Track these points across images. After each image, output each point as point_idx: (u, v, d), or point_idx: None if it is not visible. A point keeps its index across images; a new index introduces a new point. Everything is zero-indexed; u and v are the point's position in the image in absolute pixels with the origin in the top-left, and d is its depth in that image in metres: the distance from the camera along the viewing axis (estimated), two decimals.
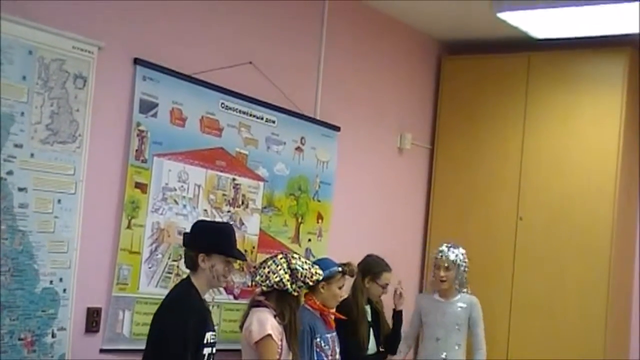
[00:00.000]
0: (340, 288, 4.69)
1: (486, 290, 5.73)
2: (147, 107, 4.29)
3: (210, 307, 4.56)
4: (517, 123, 6.15)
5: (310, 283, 4.29)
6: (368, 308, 5.10)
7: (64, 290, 3.89)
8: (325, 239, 5.44)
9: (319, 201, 5.40)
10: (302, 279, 4.22)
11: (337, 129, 5.52)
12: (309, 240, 5.33)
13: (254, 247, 4.93)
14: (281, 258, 4.27)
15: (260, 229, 4.98)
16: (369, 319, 5.06)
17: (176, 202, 4.46)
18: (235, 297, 4.82)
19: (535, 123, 6.09)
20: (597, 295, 5.67)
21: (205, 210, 4.61)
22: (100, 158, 4.06)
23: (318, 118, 5.41)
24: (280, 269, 4.21)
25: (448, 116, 6.48)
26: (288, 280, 4.19)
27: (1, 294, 3.61)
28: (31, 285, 3.75)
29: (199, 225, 3.92)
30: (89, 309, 4.05)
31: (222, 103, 4.71)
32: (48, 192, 3.81)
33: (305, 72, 5.37)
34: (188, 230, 3.97)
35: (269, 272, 4.22)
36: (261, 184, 4.99)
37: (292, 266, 4.23)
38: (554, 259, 5.88)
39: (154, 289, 4.34)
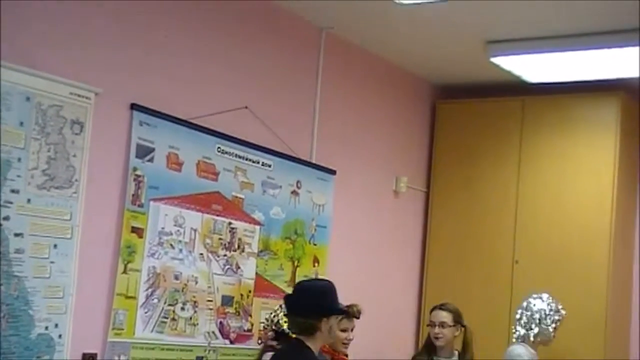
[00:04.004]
0: (344, 330, 4.63)
1: (483, 334, 5.69)
2: (144, 151, 4.31)
3: (207, 352, 4.58)
4: (512, 166, 6.17)
5: None
6: None
7: (60, 336, 3.87)
8: None
9: (315, 245, 5.40)
10: None
11: (332, 172, 5.55)
12: None
13: (250, 291, 4.92)
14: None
15: (257, 273, 4.98)
16: None
17: (172, 247, 4.46)
18: (232, 342, 4.80)
19: (530, 166, 6.11)
20: (595, 337, 5.65)
21: (202, 254, 4.61)
22: (97, 203, 4.07)
23: (314, 162, 5.43)
24: (280, 311, 4.22)
25: (443, 159, 6.51)
26: (285, 322, 4.18)
27: None
28: (26, 331, 3.73)
29: (312, 289, 3.82)
30: (84, 355, 4.03)
31: (219, 147, 4.73)
32: (44, 237, 3.81)
33: (301, 116, 5.41)
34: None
35: (273, 316, 4.23)
36: (257, 227, 4.99)
37: None
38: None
39: (149, 333, 4.33)
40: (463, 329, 5.13)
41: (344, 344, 4.65)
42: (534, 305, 5.29)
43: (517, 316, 5.32)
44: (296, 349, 3.73)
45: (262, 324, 4.22)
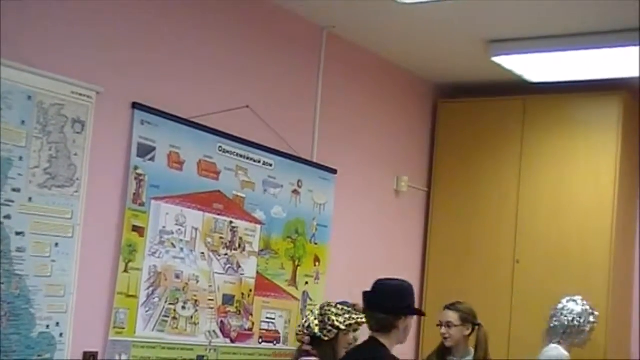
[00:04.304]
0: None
1: None
2: (145, 150, 4.31)
3: (207, 351, 4.59)
4: (513, 166, 6.18)
5: (343, 327, 4.26)
6: None
7: (61, 335, 3.88)
8: (322, 282, 5.44)
9: (316, 244, 5.41)
10: (329, 322, 4.21)
11: (334, 171, 5.55)
12: (306, 283, 5.33)
13: (250, 291, 4.92)
14: (318, 307, 4.28)
15: (258, 272, 4.98)
16: None
17: (173, 246, 4.46)
18: (232, 341, 4.80)
19: (531, 166, 6.11)
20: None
21: (203, 253, 4.62)
22: (98, 202, 4.07)
23: (315, 161, 5.43)
24: (311, 316, 4.23)
25: (444, 159, 6.51)
26: (317, 326, 4.19)
27: None
28: (27, 329, 3.74)
29: (393, 288, 3.85)
30: (85, 353, 4.03)
31: (220, 146, 4.73)
32: (45, 236, 3.81)
33: (302, 116, 5.41)
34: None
35: (304, 321, 4.24)
36: (258, 227, 4.99)
37: (323, 312, 4.23)
38: (551, 302, 5.85)
39: (150, 332, 4.33)
40: (477, 327, 5.06)
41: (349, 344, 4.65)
42: (569, 308, 5.29)
43: (551, 319, 5.30)
44: (372, 346, 3.77)
45: (298, 330, 4.23)
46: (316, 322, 4.21)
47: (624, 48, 5.15)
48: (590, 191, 5.86)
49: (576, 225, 5.88)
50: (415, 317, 6.24)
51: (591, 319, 5.31)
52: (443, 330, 5.02)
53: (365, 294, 3.88)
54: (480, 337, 5.04)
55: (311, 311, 4.31)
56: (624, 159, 5.86)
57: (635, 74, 5.46)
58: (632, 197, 6.05)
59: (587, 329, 5.30)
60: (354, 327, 4.38)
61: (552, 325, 5.33)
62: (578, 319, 5.29)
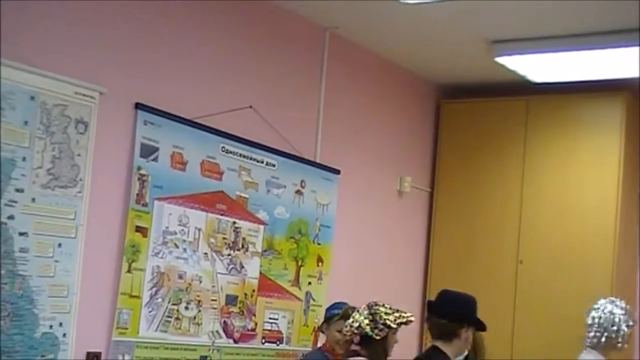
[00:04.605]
0: (340, 331, 4.62)
1: (486, 334, 5.68)
2: (148, 151, 4.32)
3: (210, 351, 4.59)
4: (516, 166, 6.17)
5: (394, 326, 4.26)
6: None
7: (64, 335, 3.88)
8: (325, 282, 5.44)
9: (319, 244, 5.41)
10: (381, 321, 4.21)
11: (337, 172, 5.55)
12: (309, 283, 5.33)
13: (254, 291, 4.92)
14: (365, 306, 4.28)
15: (261, 273, 4.98)
16: None
17: (176, 246, 4.46)
18: (235, 341, 4.80)
19: (535, 166, 6.11)
20: None
21: (206, 253, 4.62)
22: (101, 202, 4.07)
23: (318, 161, 5.43)
24: (361, 316, 4.23)
25: (447, 159, 6.51)
26: (367, 325, 4.18)
27: (0, 339, 3.60)
28: (31, 330, 3.74)
29: (458, 297, 3.96)
30: (88, 354, 4.04)
31: (223, 147, 4.73)
32: (49, 237, 3.82)
33: (305, 116, 5.41)
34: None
35: (352, 321, 4.23)
36: (261, 227, 4.99)
37: (373, 311, 4.23)
38: (554, 302, 5.87)
39: (153, 333, 4.33)
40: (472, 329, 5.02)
41: (339, 344, 4.59)
42: (607, 310, 5.17)
43: (589, 322, 5.19)
44: (434, 353, 3.85)
45: (346, 331, 4.22)
46: (366, 321, 4.20)
47: (626, 48, 5.15)
48: (593, 191, 5.86)
49: (579, 225, 5.87)
50: (418, 318, 6.30)
51: (630, 322, 5.14)
52: None
53: (429, 302, 4.00)
54: (477, 338, 4.98)
55: (358, 311, 4.29)
56: (627, 159, 5.85)
57: (638, 74, 5.46)
58: (635, 197, 6.04)
59: (626, 332, 5.12)
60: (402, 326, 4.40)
61: (589, 328, 5.18)
62: (617, 321, 5.13)
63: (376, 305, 4.26)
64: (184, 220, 4.51)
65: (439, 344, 3.80)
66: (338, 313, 4.64)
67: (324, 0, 5.02)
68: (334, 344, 4.63)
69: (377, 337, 4.19)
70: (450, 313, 3.83)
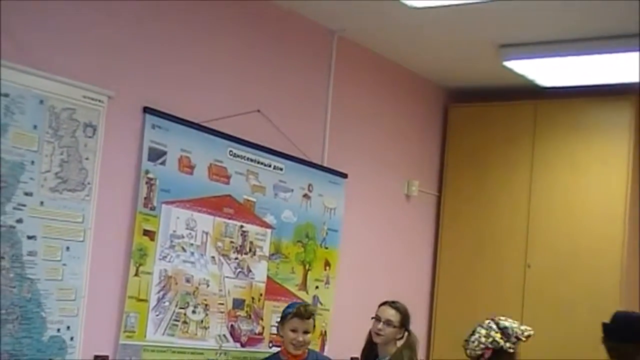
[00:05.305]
0: (294, 330, 4.45)
1: None
2: (156, 155, 4.32)
3: (218, 355, 4.59)
4: (525, 170, 6.16)
5: (523, 339, 4.27)
6: None
7: (72, 339, 3.88)
8: (332, 286, 5.44)
9: (326, 248, 5.40)
10: (514, 334, 4.22)
11: (344, 176, 5.54)
12: (317, 287, 5.33)
13: (261, 295, 4.92)
14: (488, 322, 4.27)
15: (268, 276, 4.98)
16: None
17: (184, 250, 4.47)
18: (243, 345, 4.80)
19: (543, 170, 6.10)
20: None
21: (213, 257, 4.62)
22: (109, 206, 4.08)
23: (325, 165, 5.43)
24: (490, 331, 4.22)
25: (455, 163, 6.50)
26: (501, 339, 4.19)
27: (8, 342, 3.61)
28: (38, 333, 3.75)
29: (635, 319, 4.03)
30: (96, 357, 4.04)
31: (230, 151, 4.74)
32: (57, 240, 3.82)
33: (313, 120, 5.41)
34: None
35: (479, 337, 4.22)
36: (269, 231, 4.99)
37: (501, 325, 4.24)
38: (563, 306, 5.85)
39: (161, 336, 4.34)
40: (407, 334, 4.81)
41: (292, 344, 4.45)
42: None
43: None
44: None
45: (474, 346, 4.21)
46: (499, 335, 4.22)
47: (636, 52, 5.14)
48: (601, 195, 5.84)
49: (587, 229, 5.86)
50: (426, 322, 6.29)
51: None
52: (380, 326, 4.74)
53: (605, 324, 4.02)
54: (409, 342, 4.85)
55: (482, 326, 4.28)
56: (636, 163, 5.83)
57: None
58: None
59: None
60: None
61: None
62: None
63: (498, 319, 4.29)
64: (192, 223, 4.51)
65: None
66: (291, 312, 4.49)
67: (332, 2, 5.02)
68: (287, 344, 4.47)
69: (511, 350, 4.22)
70: (627, 337, 3.90)
